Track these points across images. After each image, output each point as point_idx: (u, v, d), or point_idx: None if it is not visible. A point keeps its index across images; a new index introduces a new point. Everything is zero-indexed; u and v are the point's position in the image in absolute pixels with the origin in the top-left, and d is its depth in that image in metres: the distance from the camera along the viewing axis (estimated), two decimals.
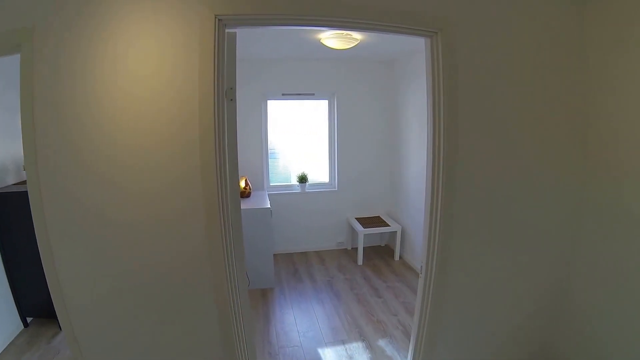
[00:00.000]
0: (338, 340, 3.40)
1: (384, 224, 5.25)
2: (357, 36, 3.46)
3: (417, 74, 4.61)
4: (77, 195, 1.85)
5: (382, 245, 5.80)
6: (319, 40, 3.61)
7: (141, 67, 1.78)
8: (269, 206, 4.26)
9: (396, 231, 5.16)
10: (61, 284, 1.91)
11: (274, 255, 5.35)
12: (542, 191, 2.33)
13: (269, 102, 5.14)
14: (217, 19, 1.78)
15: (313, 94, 5.19)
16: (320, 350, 3.25)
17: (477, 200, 2.25)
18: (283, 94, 5.11)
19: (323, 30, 3.26)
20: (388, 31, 2.00)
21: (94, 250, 1.91)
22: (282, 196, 5.33)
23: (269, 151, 5.30)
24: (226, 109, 1.91)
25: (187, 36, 1.78)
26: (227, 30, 1.85)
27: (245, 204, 4.37)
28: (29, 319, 3.46)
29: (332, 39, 3.45)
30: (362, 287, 4.50)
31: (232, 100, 1.93)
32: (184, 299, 2.04)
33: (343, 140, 5.35)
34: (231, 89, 1.93)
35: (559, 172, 2.34)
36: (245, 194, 4.60)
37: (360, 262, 5.13)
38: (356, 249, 5.56)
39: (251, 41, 3.85)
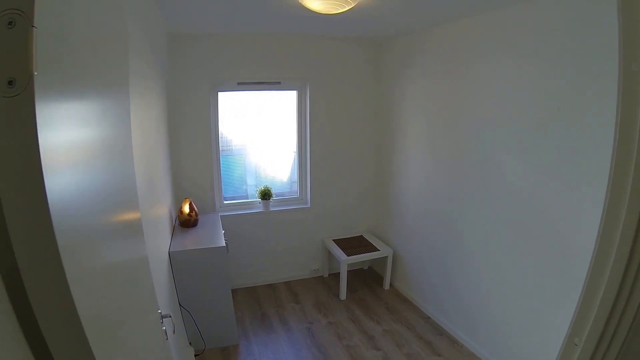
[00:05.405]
0: None
1: (370, 247, 4.20)
2: None
3: (420, 53, 3.57)
4: None
5: (364, 268, 4.76)
6: (296, 1, 2.43)
7: None
8: (223, 243, 3.04)
9: (387, 256, 4.12)
10: None
11: (233, 291, 4.15)
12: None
13: (220, 94, 3.85)
14: None
15: (279, 83, 3.96)
16: None
17: None
18: (239, 84, 3.84)
19: None
20: None
21: None
22: (240, 218, 4.10)
23: (220, 160, 4.04)
24: None
25: None
26: None
27: (191, 239, 3.12)
28: None
29: None
30: (352, 334, 3.44)
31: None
32: None
33: (316, 144, 4.20)
34: None
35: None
36: (190, 223, 3.34)
37: (343, 296, 4.05)
38: (335, 275, 4.50)
39: (192, 8, 2.61)
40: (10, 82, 0.54)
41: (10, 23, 0.53)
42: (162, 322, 1.55)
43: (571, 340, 0.89)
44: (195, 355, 3.10)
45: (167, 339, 1.60)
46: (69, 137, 0.73)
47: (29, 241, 0.59)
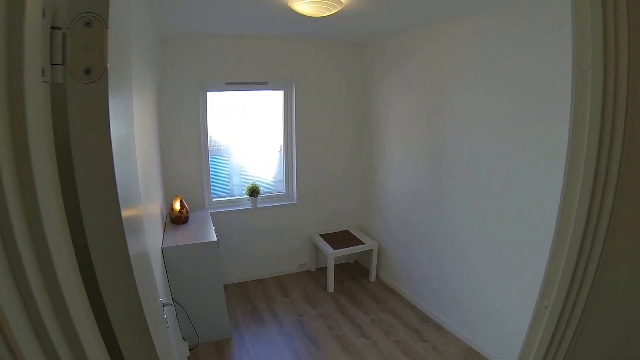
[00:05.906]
0: None
1: (355, 241, 4.33)
2: None
3: (403, 54, 3.71)
4: None
5: (350, 262, 4.89)
6: (285, 4, 2.54)
7: None
8: (214, 238, 3.13)
9: (372, 249, 4.26)
10: None
11: (224, 287, 4.22)
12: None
13: (208, 94, 3.93)
14: None
15: (265, 83, 4.06)
16: None
17: None
18: (227, 84, 3.93)
19: None
20: None
21: None
22: (228, 215, 4.18)
23: (209, 158, 4.11)
24: None
25: None
26: None
27: (182, 235, 3.20)
28: None
29: (306, 2, 2.42)
30: (341, 324, 3.56)
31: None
32: None
33: (302, 142, 4.31)
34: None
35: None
36: (181, 219, 3.41)
37: (331, 289, 4.17)
38: (322, 269, 4.61)
39: (182, 9, 2.69)
40: (87, 71, 0.66)
41: (87, 23, 0.66)
42: (163, 310, 1.64)
43: (541, 303, 1.03)
44: (189, 350, 3.17)
45: (168, 326, 1.69)
46: (115, 128, 0.82)
47: (99, 223, 0.69)
